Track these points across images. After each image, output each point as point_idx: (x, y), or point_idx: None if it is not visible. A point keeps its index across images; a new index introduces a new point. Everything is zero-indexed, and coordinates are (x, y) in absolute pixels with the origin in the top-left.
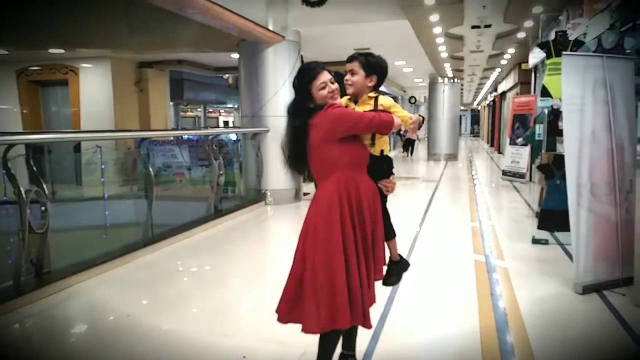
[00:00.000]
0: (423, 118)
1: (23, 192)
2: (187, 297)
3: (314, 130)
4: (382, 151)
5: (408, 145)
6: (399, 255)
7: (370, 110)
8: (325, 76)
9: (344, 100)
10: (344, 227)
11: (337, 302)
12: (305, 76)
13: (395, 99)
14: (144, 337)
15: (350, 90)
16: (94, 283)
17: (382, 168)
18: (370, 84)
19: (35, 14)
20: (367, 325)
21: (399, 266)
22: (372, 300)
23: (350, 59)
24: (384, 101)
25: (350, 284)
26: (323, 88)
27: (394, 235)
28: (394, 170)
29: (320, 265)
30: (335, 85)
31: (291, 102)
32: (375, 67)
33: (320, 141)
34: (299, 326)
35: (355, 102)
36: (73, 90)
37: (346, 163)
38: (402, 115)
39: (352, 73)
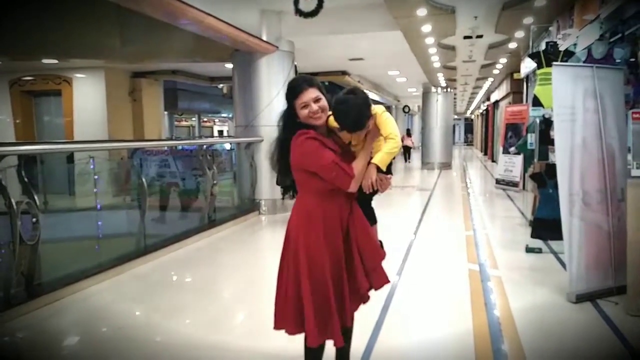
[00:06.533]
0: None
1: (14, 203)
2: (180, 308)
3: (292, 150)
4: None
5: (405, 152)
6: (380, 240)
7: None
8: (308, 95)
9: (331, 120)
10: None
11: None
12: (289, 92)
13: (389, 108)
14: (137, 349)
15: (321, 120)
16: (86, 295)
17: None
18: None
19: (29, 24)
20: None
21: None
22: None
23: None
24: (378, 109)
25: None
26: (304, 107)
27: (375, 222)
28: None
29: (312, 280)
30: (319, 105)
31: (282, 113)
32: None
33: (295, 165)
34: (291, 339)
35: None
36: (66, 100)
37: (322, 188)
38: (388, 147)
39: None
